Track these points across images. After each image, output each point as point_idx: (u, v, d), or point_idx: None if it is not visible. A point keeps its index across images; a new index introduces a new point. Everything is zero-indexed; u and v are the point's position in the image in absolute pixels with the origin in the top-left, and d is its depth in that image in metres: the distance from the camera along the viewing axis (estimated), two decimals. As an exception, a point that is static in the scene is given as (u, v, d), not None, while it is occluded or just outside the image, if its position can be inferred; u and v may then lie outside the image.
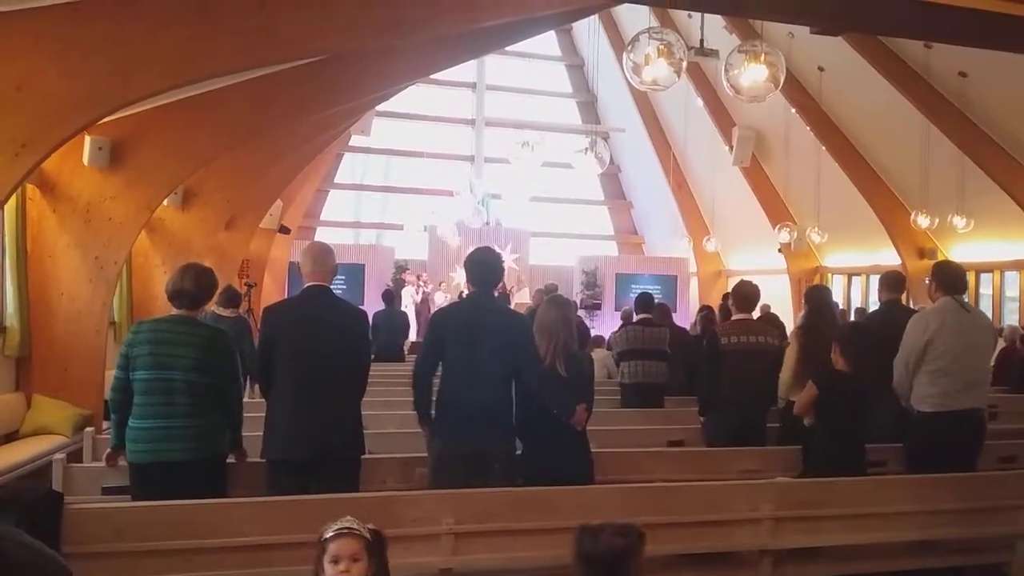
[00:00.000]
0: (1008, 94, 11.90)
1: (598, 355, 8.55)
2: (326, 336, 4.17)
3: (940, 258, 14.19)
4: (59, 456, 4.50)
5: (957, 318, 4.99)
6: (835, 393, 4.85)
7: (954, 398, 4.92)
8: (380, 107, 16.27)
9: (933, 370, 4.95)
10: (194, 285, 4.11)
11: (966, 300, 5.16)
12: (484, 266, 4.51)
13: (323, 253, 4.38)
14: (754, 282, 6.07)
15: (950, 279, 5.14)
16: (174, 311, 4.13)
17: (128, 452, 4.02)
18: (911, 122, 13.37)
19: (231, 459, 4.30)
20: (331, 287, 4.37)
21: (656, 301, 8.14)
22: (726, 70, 6.37)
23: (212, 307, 7.40)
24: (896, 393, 5.19)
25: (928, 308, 5.26)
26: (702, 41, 9.02)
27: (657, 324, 7.70)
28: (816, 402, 4.89)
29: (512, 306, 14.14)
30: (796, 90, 15.06)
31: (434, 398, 4.42)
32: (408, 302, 17.54)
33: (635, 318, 7.85)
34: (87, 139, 7.36)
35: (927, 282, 5.33)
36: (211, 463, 4.08)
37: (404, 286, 17.90)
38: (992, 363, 9.59)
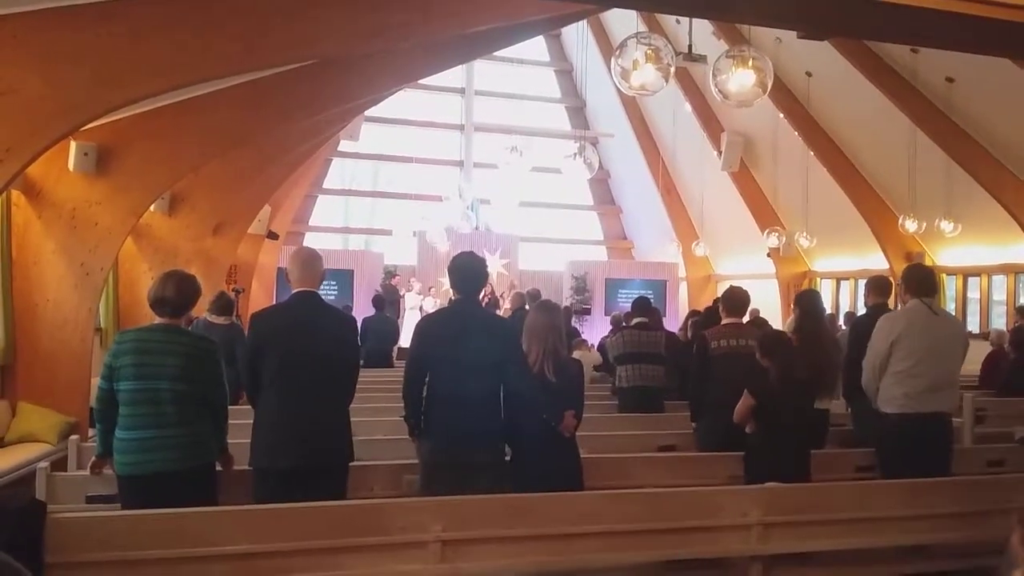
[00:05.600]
0: (995, 99, 11.97)
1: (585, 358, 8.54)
2: (315, 342, 4.13)
3: (928, 262, 14.26)
4: (43, 464, 4.45)
5: (924, 320, 5.01)
6: (771, 400, 4.86)
7: (919, 400, 4.92)
8: (369, 112, 16.24)
9: (898, 371, 4.97)
10: (175, 293, 4.05)
11: (935, 303, 5.17)
12: (468, 271, 4.46)
13: (311, 258, 4.35)
14: (743, 287, 6.08)
15: (919, 282, 5.16)
16: (158, 319, 4.09)
17: (117, 464, 3.96)
18: (898, 127, 13.44)
19: (218, 467, 4.26)
20: (319, 292, 4.34)
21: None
22: (714, 75, 6.39)
23: (204, 314, 7.36)
24: (866, 394, 5.22)
25: (897, 310, 5.28)
26: (690, 46, 9.04)
27: (654, 328, 7.69)
28: (754, 410, 4.90)
29: (501, 312, 14.14)
30: (784, 95, 15.12)
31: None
32: (413, 306, 17.44)
33: (632, 322, 7.83)
34: (73, 144, 7.31)
35: (898, 285, 5.37)
36: (201, 472, 4.04)
37: (400, 292, 17.79)
38: (979, 367, 9.77)
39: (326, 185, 21.88)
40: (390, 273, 19.14)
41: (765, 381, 4.96)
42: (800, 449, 4.97)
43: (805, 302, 6.27)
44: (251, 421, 4.25)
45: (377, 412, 6.50)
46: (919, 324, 4.99)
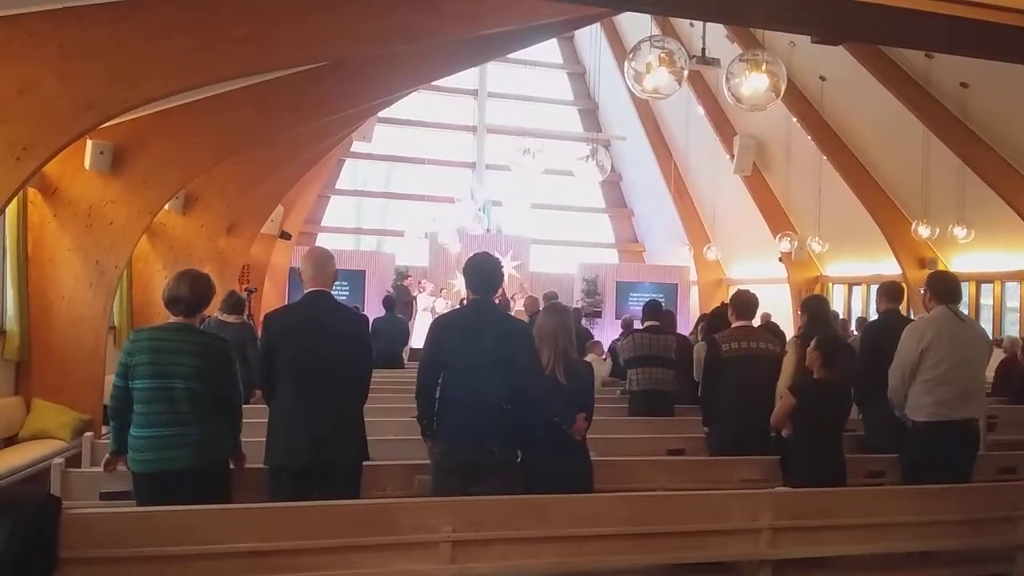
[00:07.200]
0: (1009, 105, 11.92)
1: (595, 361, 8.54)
2: (327, 342, 4.17)
3: (941, 268, 14.20)
4: (58, 461, 4.49)
5: (952, 328, 4.98)
6: (812, 402, 4.86)
7: (950, 407, 4.91)
8: (382, 113, 16.28)
9: (928, 379, 4.93)
10: (190, 292, 4.09)
11: (961, 310, 5.15)
12: (483, 272, 4.48)
13: (324, 259, 4.38)
14: (752, 290, 6.07)
15: (945, 289, 5.14)
16: (172, 318, 4.12)
17: (131, 461, 4.00)
18: (912, 132, 13.38)
19: (231, 465, 4.29)
20: (332, 292, 4.36)
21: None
22: (727, 79, 6.38)
23: (216, 313, 7.39)
24: (891, 403, 5.19)
25: (923, 317, 5.26)
26: (704, 50, 9.03)
27: (664, 331, 7.69)
28: (792, 412, 4.90)
29: (512, 313, 14.14)
30: (797, 99, 15.08)
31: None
32: (425, 307, 17.50)
33: (643, 325, 7.82)
34: (89, 143, 7.37)
35: (922, 292, 5.34)
36: (215, 469, 4.08)
37: (413, 293, 17.82)
38: (992, 373, 9.72)
39: (339, 186, 21.94)
40: (402, 274, 19.17)
41: (811, 382, 4.97)
42: (838, 451, 5.00)
43: (812, 307, 6.25)
44: (265, 420, 4.29)
45: (388, 412, 6.52)
46: (948, 331, 4.96)
